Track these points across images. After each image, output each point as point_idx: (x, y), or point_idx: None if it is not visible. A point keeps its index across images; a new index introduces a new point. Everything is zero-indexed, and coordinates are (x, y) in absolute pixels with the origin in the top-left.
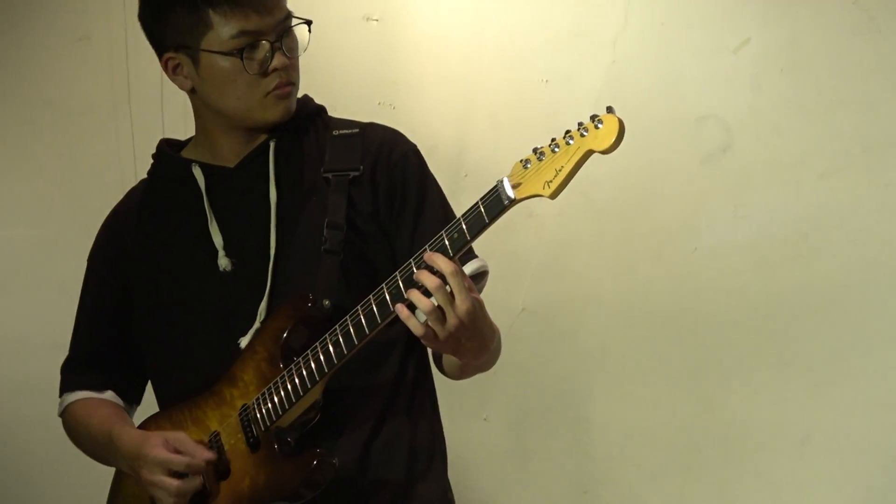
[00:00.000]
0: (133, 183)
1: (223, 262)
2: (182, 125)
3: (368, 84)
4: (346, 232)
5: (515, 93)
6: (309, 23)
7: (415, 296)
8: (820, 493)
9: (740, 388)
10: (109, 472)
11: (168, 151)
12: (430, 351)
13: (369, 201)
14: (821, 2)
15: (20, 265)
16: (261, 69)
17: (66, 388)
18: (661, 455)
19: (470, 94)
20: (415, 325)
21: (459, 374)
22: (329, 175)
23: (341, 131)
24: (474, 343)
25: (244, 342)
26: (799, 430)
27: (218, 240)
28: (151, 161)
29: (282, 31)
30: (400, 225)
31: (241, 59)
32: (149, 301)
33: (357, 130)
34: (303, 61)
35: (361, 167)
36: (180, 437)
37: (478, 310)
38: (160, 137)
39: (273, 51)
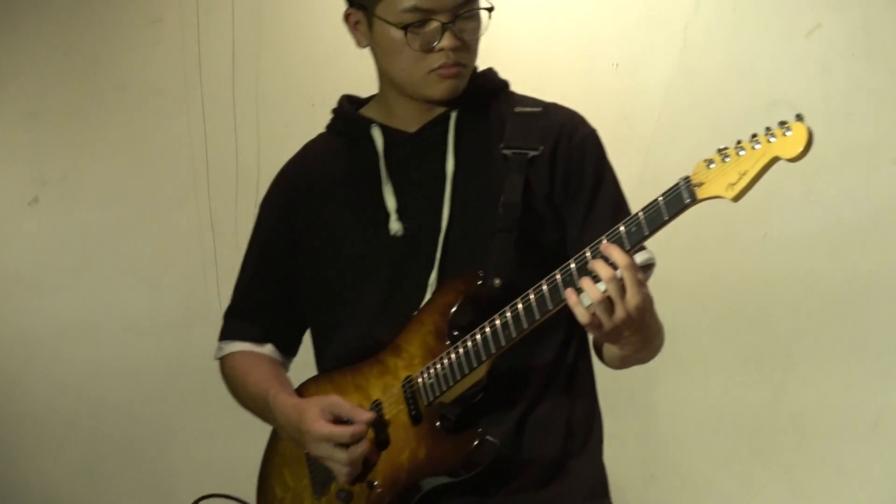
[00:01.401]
0: (203, 168)
1: (395, 226)
2: (253, 107)
3: None
4: (522, 212)
5: (587, 79)
6: (490, 9)
7: (586, 284)
8: (890, 478)
9: (810, 374)
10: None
11: (348, 108)
12: (591, 337)
13: (546, 182)
14: None
15: (94, 248)
16: (426, 47)
17: (226, 335)
18: (730, 440)
19: (541, 83)
20: (581, 312)
21: (619, 364)
22: (508, 152)
23: (524, 109)
24: (638, 337)
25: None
26: (868, 415)
27: (391, 203)
28: (331, 116)
29: (458, 13)
30: (573, 209)
31: (406, 34)
32: (317, 257)
33: (540, 109)
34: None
35: (542, 147)
36: (335, 401)
37: (647, 305)
38: (231, 120)
39: (443, 30)
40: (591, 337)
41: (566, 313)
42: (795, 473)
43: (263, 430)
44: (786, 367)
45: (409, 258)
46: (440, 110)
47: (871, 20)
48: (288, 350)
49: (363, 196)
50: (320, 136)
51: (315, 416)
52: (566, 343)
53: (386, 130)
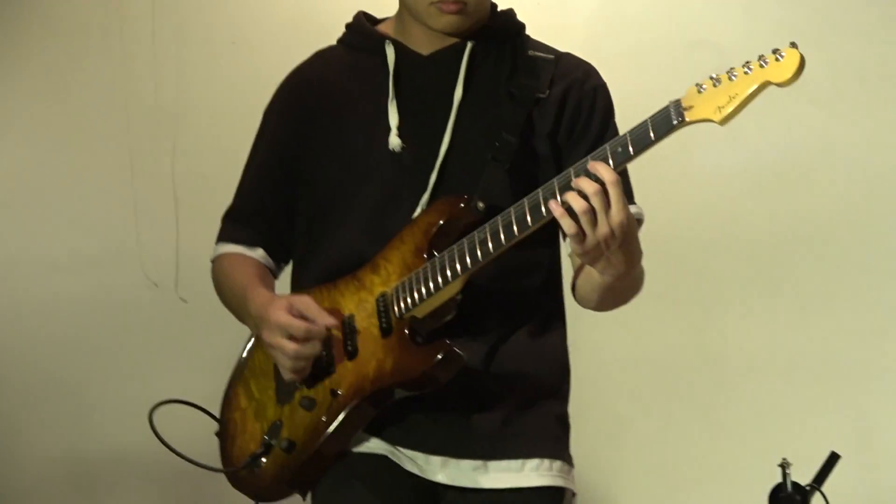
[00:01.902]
0: (122, 108)
1: (394, 141)
2: (173, 45)
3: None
4: (518, 147)
5: None
6: None
7: (571, 196)
8: (805, 417)
9: (729, 314)
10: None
11: (364, 22)
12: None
13: (550, 122)
14: None
15: (14, 186)
16: None
17: (221, 237)
18: (649, 379)
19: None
20: (568, 223)
21: (597, 298)
22: (515, 90)
23: (538, 53)
24: (619, 258)
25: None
26: (786, 355)
27: (394, 119)
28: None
29: None
30: (574, 153)
31: None
32: (315, 164)
33: (553, 56)
34: None
35: (549, 91)
36: (305, 300)
37: (631, 224)
38: (151, 58)
39: None
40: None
41: (547, 254)
42: (714, 412)
43: (187, 368)
44: (705, 306)
45: (402, 176)
46: (456, 39)
47: None
48: (279, 257)
49: (367, 109)
50: (331, 47)
51: (280, 306)
52: (545, 285)
53: (399, 48)
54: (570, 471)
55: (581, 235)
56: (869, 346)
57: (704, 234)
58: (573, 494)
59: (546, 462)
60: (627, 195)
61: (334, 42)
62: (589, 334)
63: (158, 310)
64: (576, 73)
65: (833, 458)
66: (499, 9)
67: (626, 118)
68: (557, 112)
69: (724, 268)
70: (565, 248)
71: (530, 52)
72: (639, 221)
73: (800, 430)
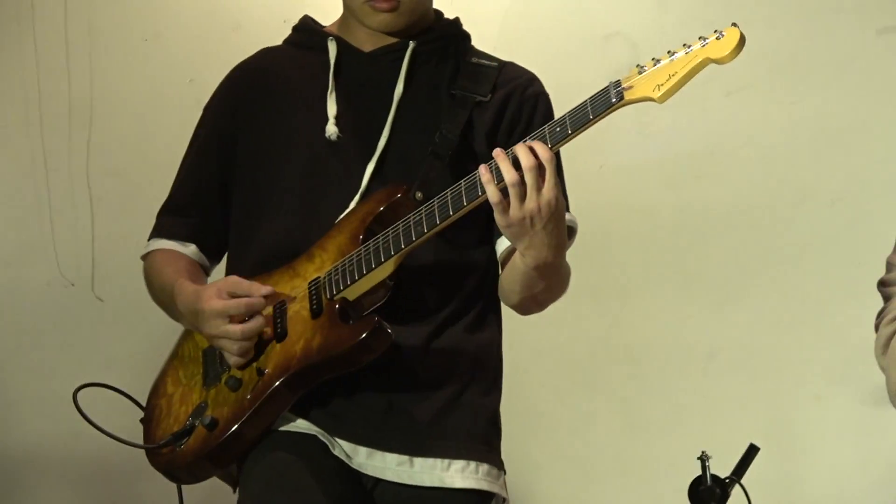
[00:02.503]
0: (36, 102)
1: (331, 129)
2: (86, 41)
3: (272, 3)
4: (458, 144)
5: None
6: None
7: (503, 163)
8: (724, 409)
9: (646, 306)
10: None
11: (309, 21)
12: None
13: (489, 123)
14: None
15: None
16: None
17: (154, 232)
18: (566, 373)
19: None
20: (493, 190)
21: (519, 289)
22: (456, 92)
23: (481, 60)
24: (543, 239)
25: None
26: (703, 347)
27: (332, 109)
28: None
29: None
30: None
31: None
32: (251, 154)
33: (496, 64)
34: None
35: (490, 96)
36: (233, 280)
37: (560, 207)
38: (63, 54)
39: None
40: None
41: (484, 255)
42: (632, 405)
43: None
44: (622, 299)
45: (339, 166)
46: (398, 38)
47: None
48: (212, 253)
49: (307, 101)
50: (277, 46)
51: (211, 294)
52: (480, 285)
53: (342, 44)
54: (500, 475)
55: (505, 205)
56: (785, 337)
57: (619, 228)
58: (503, 500)
59: (473, 465)
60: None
61: (246, 37)
62: (506, 328)
63: (75, 308)
64: (518, 79)
65: (752, 451)
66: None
67: None
68: (498, 115)
69: (639, 261)
70: (499, 245)
71: (474, 59)
72: (573, 231)
73: (718, 423)
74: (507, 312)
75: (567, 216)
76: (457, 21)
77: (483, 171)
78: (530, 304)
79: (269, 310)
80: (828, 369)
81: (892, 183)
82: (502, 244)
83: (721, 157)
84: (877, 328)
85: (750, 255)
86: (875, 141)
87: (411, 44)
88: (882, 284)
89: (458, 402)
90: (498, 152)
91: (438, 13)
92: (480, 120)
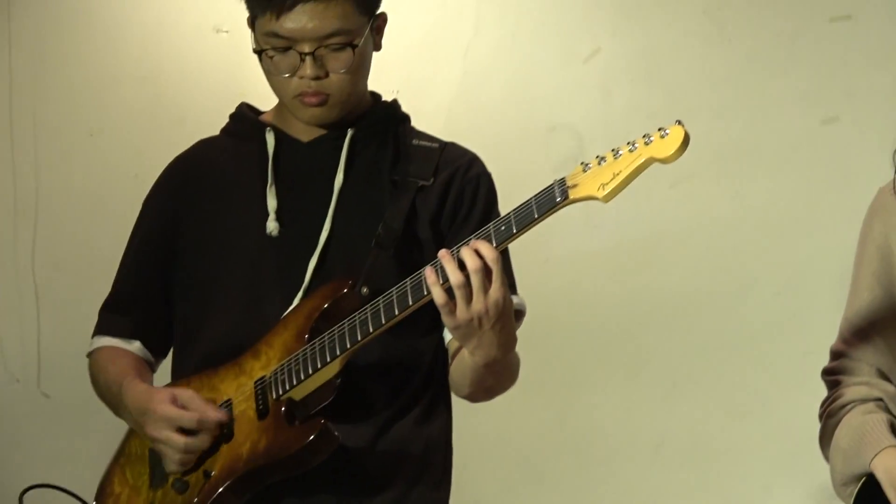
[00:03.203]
0: None
1: (271, 224)
2: (31, 134)
3: (217, 95)
4: (402, 233)
5: None
6: (354, 46)
7: (449, 264)
8: (672, 499)
9: (594, 396)
10: None
11: (246, 111)
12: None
13: (433, 208)
14: (671, 12)
15: None
16: (284, 73)
17: (98, 330)
18: (516, 463)
19: None
20: (438, 292)
21: (469, 383)
22: (398, 178)
23: (421, 142)
24: (492, 339)
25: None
26: (652, 436)
27: (272, 203)
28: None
29: (321, 43)
30: (456, 238)
31: (261, 57)
32: (193, 252)
33: (437, 145)
34: (151, 70)
35: (433, 179)
36: (188, 394)
37: (507, 306)
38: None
39: (303, 59)
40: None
41: (431, 343)
42: (580, 496)
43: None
44: (569, 389)
45: (281, 261)
46: (336, 126)
47: (648, 44)
48: (157, 350)
49: (247, 195)
50: (214, 136)
51: (163, 398)
52: (428, 374)
53: (280, 135)
54: None
55: (451, 306)
56: (733, 427)
57: (565, 318)
58: None
59: None
60: (510, 286)
61: (191, 131)
62: (454, 418)
63: (21, 405)
64: (460, 161)
65: None
66: (382, 98)
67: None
68: (440, 199)
69: (586, 351)
70: (447, 333)
71: (414, 142)
72: (521, 313)
73: None
74: (455, 400)
75: (515, 299)
76: (395, 103)
77: (429, 273)
78: (480, 395)
79: (224, 418)
80: (776, 460)
81: (837, 273)
82: (450, 333)
83: (667, 247)
84: (821, 418)
85: (696, 344)
86: (820, 230)
87: (350, 131)
88: (826, 373)
89: (408, 499)
90: (443, 253)
91: (376, 96)
92: (424, 205)
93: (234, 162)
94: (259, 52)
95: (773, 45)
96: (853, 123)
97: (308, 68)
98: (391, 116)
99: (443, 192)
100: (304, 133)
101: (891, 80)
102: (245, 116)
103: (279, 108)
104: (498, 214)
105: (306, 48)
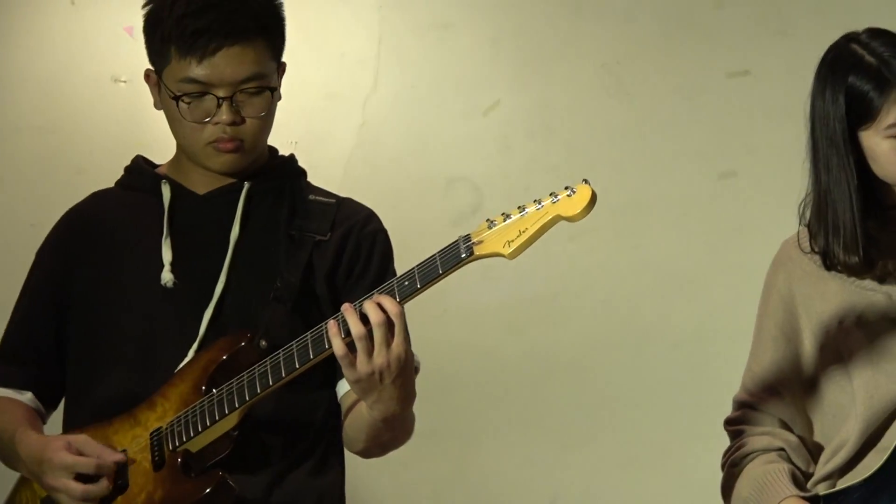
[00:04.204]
0: None
1: (166, 276)
2: None
3: (115, 144)
4: (299, 288)
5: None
6: (273, 89)
7: (351, 317)
8: None
9: (489, 449)
10: None
11: (141, 163)
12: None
13: (329, 264)
14: (570, 66)
15: None
16: (200, 119)
17: None
18: None
19: None
20: (338, 344)
21: (365, 438)
22: (295, 233)
23: (318, 197)
24: (392, 394)
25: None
26: (547, 491)
27: (167, 255)
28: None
29: (238, 88)
30: (351, 294)
31: (178, 104)
32: (85, 302)
33: (334, 201)
34: (50, 120)
35: (329, 234)
36: (82, 439)
37: (409, 360)
38: None
39: (220, 104)
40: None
41: (327, 396)
42: None
43: None
44: (465, 443)
45: (176, 313)
46: (232, 180)
47: (548, 98)
48: (48, 400)
49: (142, 247)
50: (108, 189)
51: (59, 446)
52: (324, 423)
53: (175, 187)
54: None
55: (351, 359)
56: (629, 480)
57: (462, 372)
58: None
59: None
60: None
61: (90, 181)
62: (349, 474)
63: None
64: (356, 217)
65: None
66: (279, 153)
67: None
68: (336, 254)
69: (483, 404)
70: (341, 387)
71: (311, 197)
72: (416, 369)
73: None
74: (349, 454)
75: (415, 357)
76: (292, 158)
77: (331, 325)
78: (374, 451)
79: (121, 460)
80: None
81: (734, 325)
82: (343, 387)
83: (564, 301)
84: (723, 467)
85: (593, 397)
86: (717, 284)
87: (246, 184)
88: (729, 423)
89: None
90: (346, 307)
91: (273, 150)
92: (320, 260)
93: (129, 214)
94: (175, 98)
95: (671, 100)
96: (751, 177)
97: (224, 113)
98: (288, 171)
99: (339, 248)
100: (201, 186)
101: (788, 133)
102: (141, 168)
103: (176, 160)
104: (393, 270)
105: (223, 93)
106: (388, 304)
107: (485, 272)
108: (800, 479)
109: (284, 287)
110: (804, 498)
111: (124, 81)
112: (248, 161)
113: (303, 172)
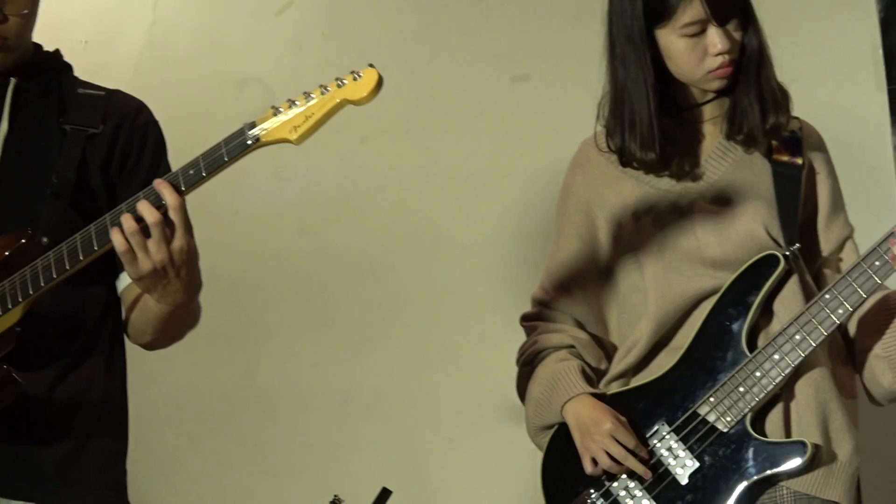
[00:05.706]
0: None
1: None
2: None
3: None
4: (76, 182)
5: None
6: None
7: (127, 222)
8: (358, 453)
9: (280, 351)
10: None
11: None
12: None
13: (102, 157)
14: None
15: None
16: None
17: None
18: (202, 418)
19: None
20: (119, 239)
21: (153, 331)
22: (68, 127)
23: (87, 91)
24: (178, 286)
25: None
26: (338, 391)
27: None
28: None
29: None
30: (126, 185)
31: None
32: None
33: (104, 93)
34: None
35: (101, 126)
36: None
37: (192, 251)
38: None
39: None
40: None
41: (104, 291)
42: (266, 449)
43: None
44: (256, 343)
45: None
46: None
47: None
48: None
49: None
50: None
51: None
52: (103, 318)
53: None
54: None
55: (132, 255)
56: (419, 381)
57: (253, 273)
58: None
59: None
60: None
61: None
62: (140, 371)
63: None
64: (127, 108)
65: (384, 494)
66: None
67: (176, 153)
68: (109, 147)
69: (274, 305)
70: (121, 281)
71: (80, 91)
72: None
73: (353, 467)
74: (136, 352)
75: None
76: (57, 53)
77: (115, 233)
78: (162, 342)
79: None
80: (460, 413)
81: (527, 227)
82: (124, 281)
83: (356, 202)
84: (517, 363)
85: (385, 299)
86: (509, 185)
87: (13, 80)
88: (524, 319)
89: (86, 449)
90: (125, 217)
91: (37, 46)
92: (93, 153)
93: None
94: None
95: (465, 3)
96: (543, 80)
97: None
98: (54, 65)
99: (112, 140)
100: None
101: (580, 36)
102: None
103: None
104: (167, 162)
105: None
106: (168, 196)
107: (277, 172)
108: (591, 376)
109: (61, 182)
110: (593, 395)
111: None
112: (13, 59)
113: (69, 67)
